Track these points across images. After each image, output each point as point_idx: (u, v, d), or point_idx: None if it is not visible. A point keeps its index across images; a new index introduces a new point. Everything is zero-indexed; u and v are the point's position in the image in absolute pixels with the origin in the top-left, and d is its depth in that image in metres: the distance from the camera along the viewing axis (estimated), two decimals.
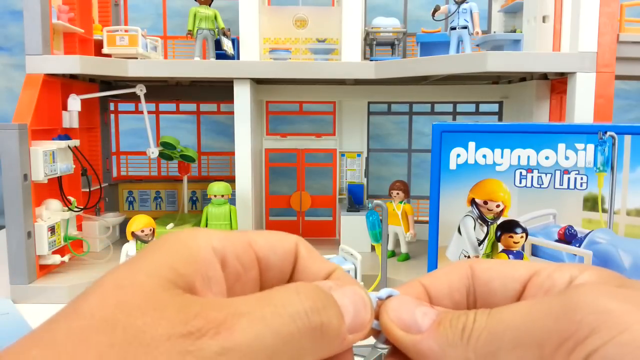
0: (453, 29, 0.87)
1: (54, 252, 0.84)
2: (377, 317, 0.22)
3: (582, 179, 0.58)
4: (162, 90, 1.15)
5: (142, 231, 0.78)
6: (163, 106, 1.22)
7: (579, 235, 0.59)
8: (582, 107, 0.75)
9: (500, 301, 0.22)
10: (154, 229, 0.80)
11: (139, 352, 0.16)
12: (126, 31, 0.96)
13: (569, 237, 0.59)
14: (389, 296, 0.22)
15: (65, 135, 0.90)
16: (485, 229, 0.62)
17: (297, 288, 0.20)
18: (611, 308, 0.17)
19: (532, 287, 0.22)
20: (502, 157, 0.60)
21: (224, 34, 0.99)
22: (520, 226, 0.61)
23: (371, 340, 0.23)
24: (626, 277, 0.20)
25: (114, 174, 1.22)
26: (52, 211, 0.84)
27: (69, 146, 0.88)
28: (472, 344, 0.19)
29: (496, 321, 0.19)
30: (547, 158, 0.59)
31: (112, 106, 1.20)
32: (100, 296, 0.18)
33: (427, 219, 0.85)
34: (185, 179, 1.13)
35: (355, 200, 1.08)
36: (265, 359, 0.17)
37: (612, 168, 0.57)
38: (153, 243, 0.20)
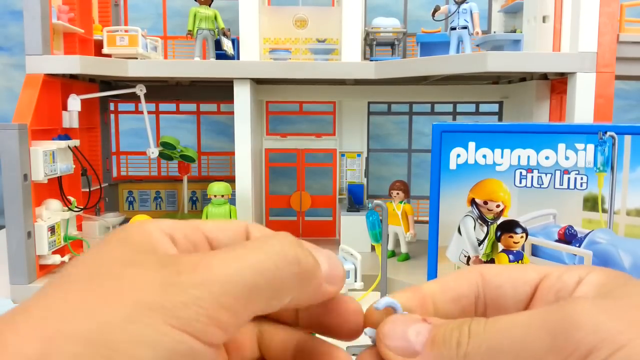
0: (453, 29, 0.87)
1: (54, 252, 0.84)
2: (373, 325, 0.22)
3: (582, 179, 0.58)
4: (162, 90, 1.15)
5: None
6: (163, 106, 1.23)
7: (579, 235, 0.59)
8: (582, 107, 0.75)
9: (511, 305, 0.22)
10: None
11: (125, 286, 0.17)
12: (126, 31, 0.96)
13: (569, 237, 0.59)
14: (387, 307, 0.22)
15: (65, 135, 0.90)
16: (485, 229, 0.62)
17: (275, 234, 0.21)
18: (609, 326, 0.17)
19: (542, 289, 0.22)
20: (502, 157, 0.60)
21: (224, 34, 0.99)
22: (520, 226, 0.61)
23: (369, 340, 0.23)
24: (632, 278, 0.20)
25: (114, 174, 1.22)
26: (52, 211, 0.84)
27: (69, 146, 0.88)
28: (473, 356, 0.19)
29: (493, 335, 0.19)
30: (547, 158, 0.59)
31: (112, 106, 1.20)
32: (82, 264, 0.19)
33: (427, 219, 0.85)
34: (185, 179, 1.14)
35: (355, 200, 1.08)
36: (246, 292, 0.18)
37: (612, 168, 0.57)
38: (106, 240, 0.21)
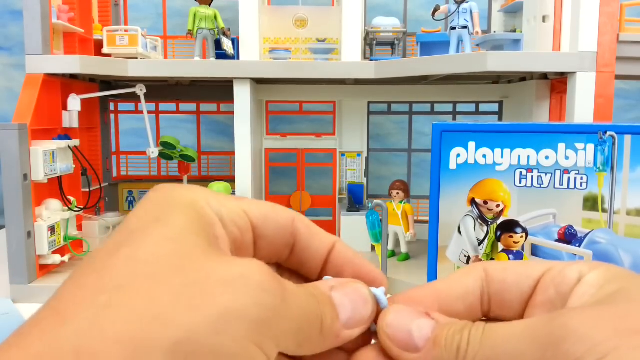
0: (453, 28, 0.87)
1: (54, 252, 0.84)
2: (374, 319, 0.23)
3: (582, 178, 0.58)
4: (162, 90, 1.15)
5: None
6: (163, 106, 1.22)
7: (579, 235, 0.59)
8: (582, 107, 0.75)
9: (514, 299, 0.23)
10: None
11: (217, 289, 0.17)
12: (126, 31, 0.96)
13: (569, 237, 0.59)
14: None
15: (65, 135, 0.90)
16: (485, 228, 0.62)
17: (307, 289, 0.21)
18: (594, 335, 0.17)
19: (543, 283, 0.22)
20: (502, 157, 0.60)
21: (224, 34, 0.99)
22: (520, 226, 0.61)
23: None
24: (635, 276, 0.20)
25: (114, 173, 1.22)
26: (52, 211, 0.84)
27: (69, 146, 0.88)
28: None
29: (489, 343, 0.20)
30: (547, 158, 0.59)
31: (112, 106, 1.20)
32: (154, 245, 0.18)
33: (427, 219, 0.85)
34: (185, 178, 1.13)
35: (355, 200, 1.08)
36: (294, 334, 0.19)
37: (612, 168, 0.57)
38: (161, 202, 0.21)
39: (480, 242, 0.62)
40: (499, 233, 0.61)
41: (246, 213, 0.23)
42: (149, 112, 1.01)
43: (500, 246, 0.62)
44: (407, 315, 0.22)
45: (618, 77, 0.79)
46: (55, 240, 0.84)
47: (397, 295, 0.24)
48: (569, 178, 0.59)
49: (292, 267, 0.25)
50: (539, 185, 0.59)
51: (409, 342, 0.21)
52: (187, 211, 0.20)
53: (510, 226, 0.61)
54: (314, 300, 0.20)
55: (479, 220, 0.62)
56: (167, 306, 0.16)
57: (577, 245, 0.59)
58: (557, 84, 0.92)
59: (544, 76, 0.92)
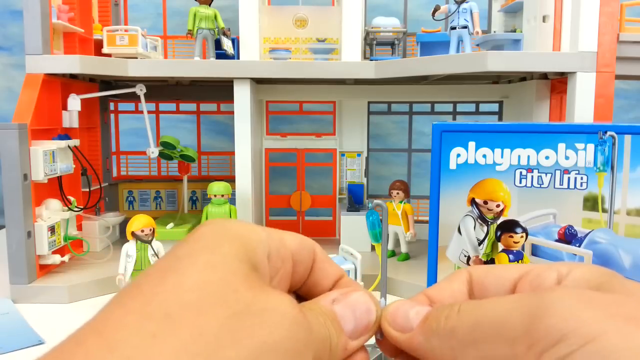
0: (453, 28, 0.87)
1: (54, 252, 0.84)
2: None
3: (582, 178, 0.58)
4: (162, 90, 1.15)
5: (142, 231, 0.78)
6: (163, 106, 1.22)
7: (579, 235, 0.59)
8: (582, 107, 0.75)
9: None
10: (154, 228, 0.80)
11: (255, 322, 0.18)
12: (126, 31, 0.96)
13: (569, 236, 0.59)
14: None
15: (65, 135, 0.90)
16: (485, 228, 0.62)
17: (312, 309, 0.22)
18: (583, 316, 0.17)
19: (521, 286, 0.23)
20: (502, 157, 0.60)
21: (224, 34, 0.99)
22: (520, 226, 0.61)
23: (371, 340, 0.23)
24: (618, 275, 0.20)
25: (114, 173, 1.22)
26: (52, 211, 0.84)
27: (68, 146, 0.88)
28: (456, 333, 0.20)
29: (479, 312, 0.20)
30: (547, 158, 0.59)
31: (112, 106, 1.20)
32: (199, 272, 0.19)
33: (427, 218, 0.85)
34: (185, 178, 1.13)
35: (355, 200, 1.08)
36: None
37: (612, 168, 0.57)
38: (210, 232, 0.22)
39: (480, 242, 0.62)
40: (499, 233, 0.61)
41: (286, 246, 0.24)
42: (149, 112, 1.01)
43: (500, 246, 0.62)
44: (408, 304, 0.23)
45: (618, 77, 0.79)
46: (55, 240, 0.84)
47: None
48: (569, 178, 0.59)
49: (302, 292, 0.26)
50: (539, 185, 0.59)
51: (406, 325, 0.22)
52: (234, 241, 0.21)
53: (510, 226, 0.61)
54: (325, 320, 0.21)
55: (479, 220, 0.61)
56: (212, 340, 0.17)
57: (577, 245, 0.59)
58: (557, 84, 0.92)
59: (544, 76, 0.92)
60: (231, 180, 0.95)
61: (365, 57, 1.03)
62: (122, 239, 1.02)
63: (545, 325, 0.17)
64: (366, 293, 0.23)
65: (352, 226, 1.00)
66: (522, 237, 0.61)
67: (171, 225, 1.01)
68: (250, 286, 0.19)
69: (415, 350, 0.22)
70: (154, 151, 1.00)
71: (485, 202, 0.61)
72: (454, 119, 1.15)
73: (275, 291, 0.20)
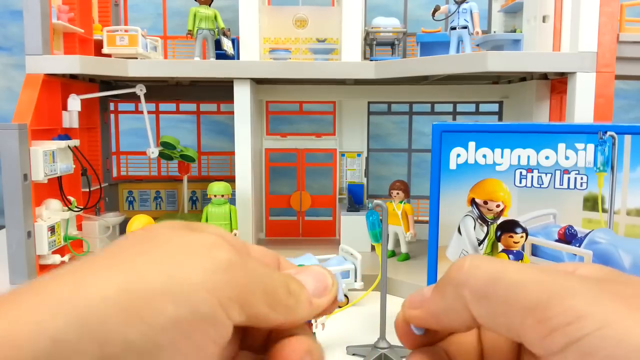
0: (453, 28, 0.87)
1: (54, 252, 0.84)
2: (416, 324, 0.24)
3: (582, 178, 0.58)
4: (162, 90, 1.15)
5: None
6: (163, 106, 1.22)
7: (579, 235, 0.59)
8: (582, 107, 0.75)
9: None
10: None
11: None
12: (126, 31, 0.96)
13: (569, 237, 0.59)
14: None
15: (65, 135, 0.90)
16: (485, 228, 0.62)
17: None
18: (603, 302, 0.17)
19: None
20: (502, 157, 0.60)
21: (224, 34, 0.99)
22: (520, 226, 0.61)
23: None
24: (622, 273, 0.20)
25: (114, 173, 1.22)
26: (52, 211, 0.84)
27: (68, 146, 0.88)
28: (469, 283, 0.20)
29: (494, 270, 0.20)
30: (547, 158, 0.59)
31: (112, 106, 1.20)
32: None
33: (427, 219, 0.85)
34: (185, 178, 1.14)
35: (355, 200, 1.08)
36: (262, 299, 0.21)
37: (612, 168, 0.57)
38: (197, 239, 0.23)
39: (480, 242, 0.62)
40: (499, 233, 0.61)
41: (249, 249, 0.25)
42: (149, 112, 1.01)
43: (500, 246, 0.62)
44: (421, 288, 0.23)
45: (618, 77, 0.79)
46: (55, 240, 0.84)
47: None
48: (569, 178, 0.59)
49: None
50: (539, 185, 0.59)
51: (423, 299, 0.22)
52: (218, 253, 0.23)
53: (510, 226, 0.61)
54: (275, 272, 0.23)
55: (479, 220, 0.62)
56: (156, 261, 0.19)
57: (577, 245, 0.59)
58: (557, 84, 0.92)
59: (544, 76, 0.92)
60: (231, 180, 0.95)
61: (365, 57, 1.03)
62: None
63: (564, 304, 0.17)
64: (323, 267, 0.25)
65: (352, 226, 1.00)
66: (522, 237, 0.61)
67: None
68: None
69: (433, 314, 0.22)
70: (154, 151, 1.00)
71: (485, 202, 0.61)
72: (454, 119, 1.15)
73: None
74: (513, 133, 0.60)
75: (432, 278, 0.64)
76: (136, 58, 0.94)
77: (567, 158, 0.58)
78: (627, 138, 0.56)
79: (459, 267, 0.21)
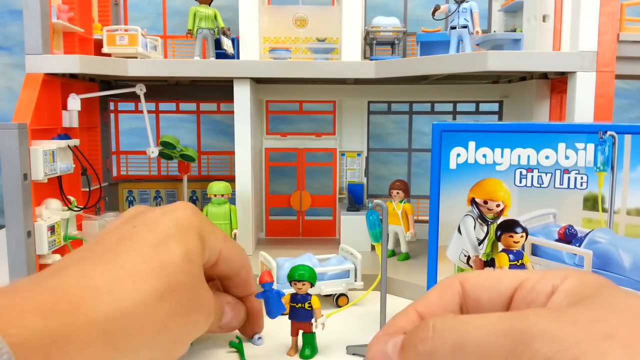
0: (453, 28, 0.87)
1: (54, 252, 0.84)
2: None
3: (582, 178, 0.58)
4: (162, 89, 1.15)
5: None
6: (163, 106, 1.22)
7: (579, 234, 0.59)
8: (582, 107, 0.75)
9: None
10: None
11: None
12: (126, 30, 0.96)
13: (569, 236, 0.59)
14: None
15: (65, 134, 0.90)
16: (485, 228, 0.62)
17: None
18: (566, 338, 0.18)
19: (516, 301, 0.23)
20: (502, 156, 0.60)
21: (224, 34, 0.99)
22: (520, 226, 0.61)
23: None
24: (609, 285, 0.20)
25: (114, 173, 1.22)
26: (52, 211, 0.84)
27: (68, 146, 0.88)
28: (436, 354, 0.20)
29: (459, 333, 0.20)
30: (547, 157, 0.59)
31: (112, 106, 1.20)
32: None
33: (427, 218, 0.85)
34: (185, 178, 1.13)
35: (355, 199, 1.08)
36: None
37: (612, 168, 0.57)
38: (169, 223, 0.40)
39: (480, 242, 0.62)
40: (499, 233, 0.61)
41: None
42: (149, 111, 1.01)
43: (500, 246, 0.62)
44: (383, 339, 0.23)
45: (618, 77, 0.78)
46: (55, 240, 0.84)
47: (384, 328, 0.25)
48: (569, 178, 0.59)
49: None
50: (539, 185, 0.59)
51: (386, 359, 0.23)
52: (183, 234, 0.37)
53: (510, 226, 0.61)
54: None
55: (479, 220, 0.61)
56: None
57: (577, 245, 0.59)
58: (557, 83, 0.92)
59: (544, 76, 0.92)
60: (231, 180, 0.95)
61: (365, 57, 1.03)
62: None
63: (531, 349, 0.18)
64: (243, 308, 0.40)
65: (352, 226, 1.00)
66: (522, 236, 0.61)
67: None
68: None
69: None
70: (154, 151, 1.00)
71: (485, 202, 0.61)
72: (454, 118, 1.15)
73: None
74: (513, 133, 0.60)
75: (432, 278, 0.64)
76: (136, 57, 0.94)
77: (567, 158, 0.58)
78: (627, 138, 0.56)
79: (424, 339, 0.21)
